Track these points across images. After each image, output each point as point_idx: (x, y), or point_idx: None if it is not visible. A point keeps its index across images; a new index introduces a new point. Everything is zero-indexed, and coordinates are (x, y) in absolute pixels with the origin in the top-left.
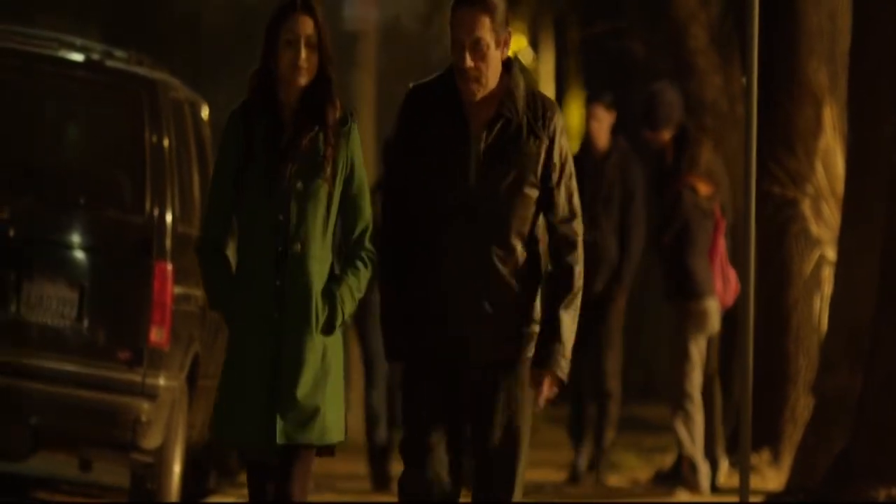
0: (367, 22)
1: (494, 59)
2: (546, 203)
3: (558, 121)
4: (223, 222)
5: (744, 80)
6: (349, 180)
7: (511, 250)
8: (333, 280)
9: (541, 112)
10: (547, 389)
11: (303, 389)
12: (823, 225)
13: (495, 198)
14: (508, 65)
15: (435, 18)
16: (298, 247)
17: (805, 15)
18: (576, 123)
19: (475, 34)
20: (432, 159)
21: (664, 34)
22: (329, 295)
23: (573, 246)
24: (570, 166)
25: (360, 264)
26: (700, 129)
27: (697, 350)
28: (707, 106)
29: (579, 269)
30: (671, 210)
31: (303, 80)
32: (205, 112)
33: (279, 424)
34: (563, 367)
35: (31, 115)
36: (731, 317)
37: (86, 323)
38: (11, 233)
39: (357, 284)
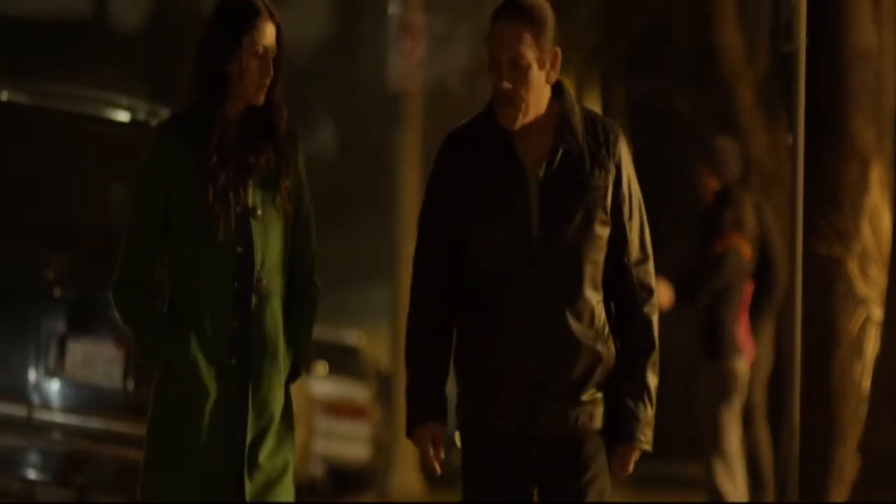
0: (412, 82)
1: (537, 80)
2: (618, 242)
3: (623, 146)
4: (150, 259)
5: (790, 138)
6: (298, 207)
7: (585, 303)
8: (290, 321)
9: (603, 138)
10: (631, 465)
11: (270, 444)
12: (870, 284)
13: (563, 244)
14: (559, 88)
15: (480, 78)
16: (263, 283)
17: (851, 73)
18: None
19: (514, 50)
20: (481, 208)
21: (710, 92)
22: (294, 339)
23: (651, 293)
24: (640, 197)
25: (311, 304)
26: (745, 188)
27: (734, 410)
28: (753, 164)
29: (656, 321)
30: (713, 270)
31: (262, 98)
32: None
33: (247, 486)
34: (650, 438)
35: (76, 174)
36: (777, 376)
37: (132, 383)
38: (57, 292)
39: (311, 325)
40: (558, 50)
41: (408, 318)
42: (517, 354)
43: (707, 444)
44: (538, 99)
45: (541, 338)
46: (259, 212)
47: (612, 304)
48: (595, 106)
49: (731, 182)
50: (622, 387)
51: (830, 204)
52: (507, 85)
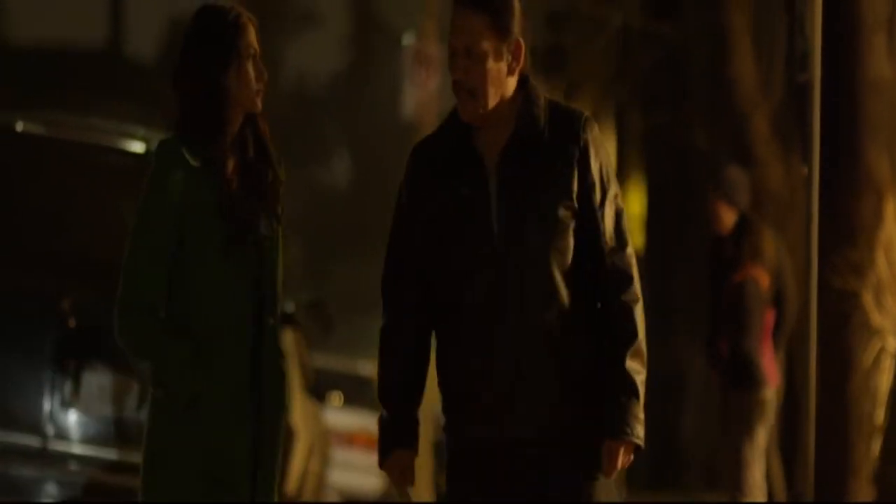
0: (427, 112)
1: (495, 71)
2: (590, 229)
3: (591, 132)
4: (161, 284)
5: (805, 169)
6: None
7: (554, 292)
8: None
9: (566, 125)
10: (623, 459)
11: (273, 481)
12: (885, 315)
13: (524, 236)
14: (524, 81)
15: None
16: (277, 310)
17: (865, 105)
18: (637, 211)
19: (468, 39)
20: (445, 206)
21: (725, 123)
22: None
23: (629, 280)
24: (616, 187)
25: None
26: (761, 219)
27: (760, 440)
28: (768, 195)
29: (640, 311)
30: (734, 302)
31: (260, 104)
32: None
33: None
34: (640, 432)
35: (91, 204)
36: (791, 408)
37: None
38: (71, 323)
39: None
40: (521, 40)
41: (380, 333)
42: (486, 355)
43: (731, 474)
44: (498, 90)
45: (508, 336)
46: (268, 232)
47: (594, 295)
48: (610, 137)
49: (744, 211)
50: (606, 379)
51: (845, 236)
52: (460, 74)
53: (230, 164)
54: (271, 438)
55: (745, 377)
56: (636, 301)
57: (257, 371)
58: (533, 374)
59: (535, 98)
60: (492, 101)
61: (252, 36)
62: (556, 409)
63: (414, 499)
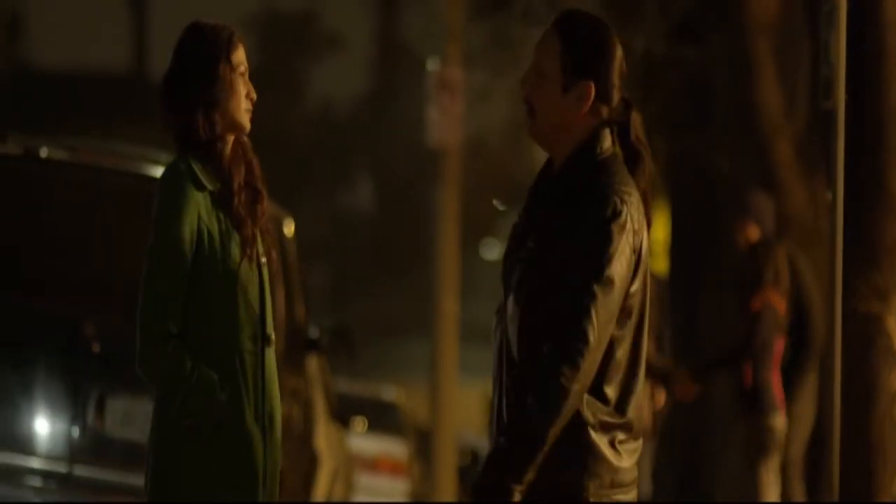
0: (451, 138)
1: (556, 98)
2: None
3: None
4: (180, 311)
5: (829, 194)
6: None
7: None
8: None
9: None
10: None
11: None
12: None
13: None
14: (595, 136)
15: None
16: (273, 337)
17: (890, 131)
18: (661, 236)
19: (540, 56)
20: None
21: (750, 149)
22: None
23: None
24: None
25: None
26: (780, 242)
27: (773, 466)
28: (792, 220)
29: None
30: (751, 328)
31: (248, 123)
32: (289, 227)
33: None
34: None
35: (115, 230)
36: (815, 433)
37: None
38: (96, 348)
39: None
40: (592, 85)
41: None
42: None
43: (745, 500)
44: (556, 120)
45: None
46: (263, 259)
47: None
48: None
49: (766, 236)
50: None
51: (869, 261)
52: (524, 89)
53: (236, 185)
54: (275, 481)
55: (756, 403)
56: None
57: (264, 397)
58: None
59: (583, 154)
60: (545, 127)
61: (243, 54)
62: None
63: None
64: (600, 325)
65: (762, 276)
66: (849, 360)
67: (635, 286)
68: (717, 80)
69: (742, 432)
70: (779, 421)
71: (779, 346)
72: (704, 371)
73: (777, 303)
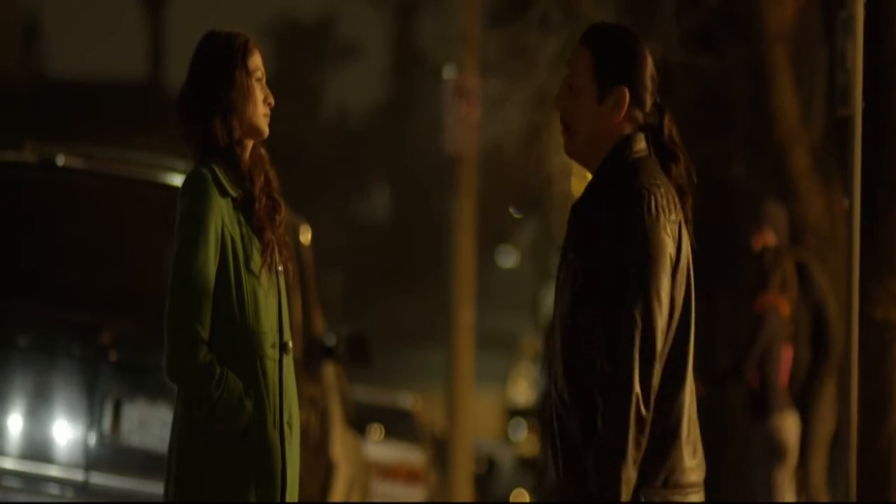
0: (468, 146)
1: (591, 111)
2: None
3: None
4: (208, 319)
5: (846, 202)
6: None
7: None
8: None
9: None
10: None
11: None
12: None
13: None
14: (627, 137)
15: (535, 142)
16: (290, 344)
17: None
18: None
19: (572, 73)
20: None
21: (766, 157)
22: None
23: None
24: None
25: None
26: (790, 251)
27: (787, 469)
28: (809, 228)
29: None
30: (754, 331)
31: (267, 129)
32: (306, 235)
33: None
34: None
35: (131, 238)
36: (834, 438)
37: None
38: (112, 356)
39: None
40: (626, 90)
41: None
42: None
43: (761, 501)
44: (593, 132)
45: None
46: (280, 266)
47: None
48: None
49: (778, 242)
50: None
51: (885, 268)
52: (559, 108)
53: (257, 189)
54: (294, 467)
55: (765, 407)
56: None
57: (283, 403)
58: None
59: (615, 156)
60: (583, 142)
61: (259, 59)
62: None
63: None
64: (654, 335)
65: (767, 279)
66: (865, 365)
67: (678, 278)
68: (734, 89)
69: (753, 438)
70: (788, 421)
71: (787, 351)
72: (716, 381)
73: (782, 307)
